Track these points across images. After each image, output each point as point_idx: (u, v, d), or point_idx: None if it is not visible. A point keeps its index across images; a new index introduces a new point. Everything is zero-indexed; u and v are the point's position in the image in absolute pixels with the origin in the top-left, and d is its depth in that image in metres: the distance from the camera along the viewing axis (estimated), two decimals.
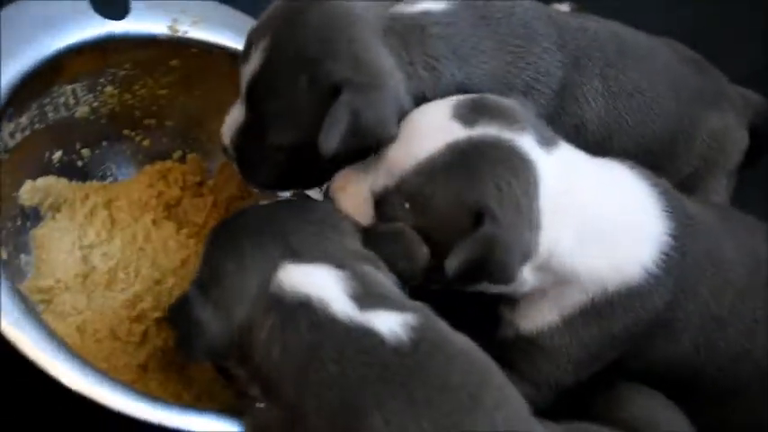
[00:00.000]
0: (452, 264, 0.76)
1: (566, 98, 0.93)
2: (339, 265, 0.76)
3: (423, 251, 0.80)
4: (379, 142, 0.82)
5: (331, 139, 0.79)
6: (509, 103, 0.82)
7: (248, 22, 1.00)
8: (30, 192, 0.95)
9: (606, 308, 0.83)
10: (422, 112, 0.81)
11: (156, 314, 0.93)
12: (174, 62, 1.00)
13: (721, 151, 1.02)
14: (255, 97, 0.83)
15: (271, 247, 0.77)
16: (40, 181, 0.96)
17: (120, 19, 0.95)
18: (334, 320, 0.73)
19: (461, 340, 0.75)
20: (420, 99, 0.85)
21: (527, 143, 0.79)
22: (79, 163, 1.00)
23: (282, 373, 0.73)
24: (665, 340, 0.86)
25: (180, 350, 0.79)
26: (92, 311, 0.92)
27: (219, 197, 1.06)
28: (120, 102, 1.00)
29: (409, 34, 0.86)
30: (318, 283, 0.75)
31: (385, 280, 0.78)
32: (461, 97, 0.81)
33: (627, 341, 0.85)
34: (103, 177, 1.03)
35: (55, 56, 0.90)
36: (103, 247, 0.97)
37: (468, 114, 0.79)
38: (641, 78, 0.97)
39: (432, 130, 0.79)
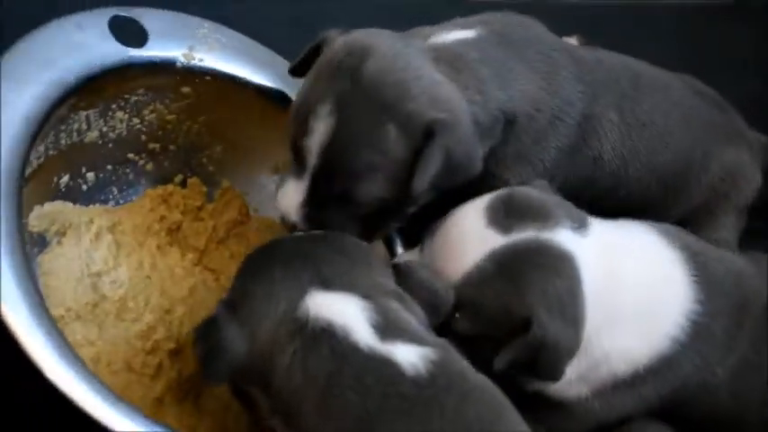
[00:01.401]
0: (500, 363, 0.80)
1: (587, 130, 0.96)
2: (365, 295, 0.77)
3: (450, 295, 0.83)
4: (467, 178, 0.84)
5: (426, 180, 0.81)
6: (537, 195, 0.84)
7: (260, 49, 1.01)
8: (38, 218, 0.93)
9: (636, 379, 0.86)
10: (457, 219, 0.84)
11: (170, 345, 0.92)
12: (185, 89, 1.00)
13: (733, 186, 1.06)
14: (334, 162, 0.83)
15: (301, 273, 0.78)
16: (48, 206, 0.94)
17: (139, 46, 0.93)
18: (356, 349, 0.74)
19: (479, 378, 0.77)
20: (475, 124, 0.87)
21: (564, 237, 0.82)
22: (84, 187, 0.99)
23: (303, 400, 0.74)
24: (700, 394, 0.88)
25: (202, 369, 0.79)
26: (104, 342, 0.91)
27: (219, 221, 1.05)
28: (129, 126, 0.99)
29: (456, 61, 0.87)
30: (342, 311, 0.76)
31: (409, 317, 0.79)
32: (491, 198, 0.84)
33: (659, 402, 0.88)
34: (105, 201, 1.02)
35: (78, 83, 0.89)
36: (111, 275, 0.96)
37: (502, 220, 0.81)
38: (654, 110, 1.00)
39: (471, 240, 0.82)
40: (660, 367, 0.86)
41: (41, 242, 0.94)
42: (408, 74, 0.83)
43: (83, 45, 0.89)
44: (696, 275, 0.87)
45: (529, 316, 0.79)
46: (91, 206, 0.99)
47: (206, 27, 1.00)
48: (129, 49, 0.93)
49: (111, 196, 1.02)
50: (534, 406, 0.87)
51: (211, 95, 1.01)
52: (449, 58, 0.88)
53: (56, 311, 0.90)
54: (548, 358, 0.80)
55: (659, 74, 1.06)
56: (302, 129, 0.83)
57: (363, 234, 0.88)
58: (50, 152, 0.91)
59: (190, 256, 1.02)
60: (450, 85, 0.85)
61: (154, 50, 0.95)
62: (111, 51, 0.92)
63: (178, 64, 0.97)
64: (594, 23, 1.07)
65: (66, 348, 0.75)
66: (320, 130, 0.82)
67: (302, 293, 0.77)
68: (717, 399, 0.88)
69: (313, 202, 0.86)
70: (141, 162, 1.03)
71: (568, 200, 0.89)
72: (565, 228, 0.83)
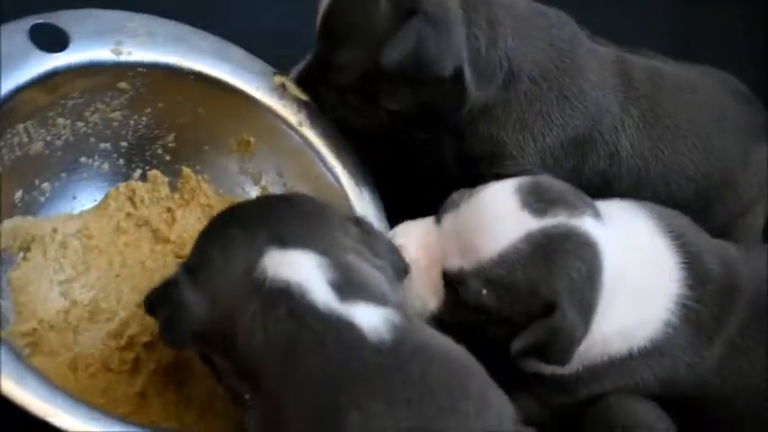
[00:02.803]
0: (518, 346, 0.82)
1: (602, 122, 0.98)
2: (323, 252, 0.76)
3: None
4: (429, 77, 0.91)
5: (394, 54, 0.89)
6: (561, 184, 0.88)
7: (196, 35, 1.00)
8: None
9: (628, 361, 0.88)
10: (488, 198, 0.86)
11: (145, 338, 0.93)
12: (122, 84, 0.99)
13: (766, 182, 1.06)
14: (332, 20, 0.92)
15: (258, 234, 0.77)
16: (6, 224, 0.95)
17: (61, 51, 0.93)
18: (314, 308, 0.73)
19: (444, 342, 0.76)
20: (473, 54, 0.92)
21: (590, 225, 0.84)
22: (42, 198, 0.99)
23: (265, 363, 0.73)
24: (690, 377, 0.90)
25: (163, 335, 0.80)
26: (80, 347, 0.92)
27: (186, 209, 1.05)
28: (74, 131, 0.99)
29: (489, 3, 0.95)
30: (299, 269, 0.75)
31: (372, 272, 0.78)
32: (522, 182, 0.86)
33: (650, 383, 0.89)
34: (67, 209, 1.02)
35: (5, 99, 0.88)
36: (81, 279, 0.97)
37: (535, 203, 0.84)
38: (679, 112, 1.01)
39: (506, 219, 0.83)
40: (652, 349, 0.88)
41: (7, 260, 0.95)
42: None
43: (3, 58, 0.89)
44: (686, 261, 0.88)
45: (553, 300, 0.81)
46: (53, 216, 0.99)
47: (135, 20, 0.99)
48: (53, 54, 0.92)
49: (72, 203, 1.02)
50: (527, 380, 0.89)
51: (150, 87, 1.01)
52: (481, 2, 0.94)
53: (28, 325, 0.92)
54: (561, 343, 0.83)
55: (687, 74, 1.06)
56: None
57: (355, 114, 0.97)
58: None
59: (160, 248, 1.02)
60: (457, 6, 0.92)
61: (78, 52, 0.94)
62: (35, 60, 0.91)
63: (107, 62, 0.96)
64: (581, 9, 1.05)
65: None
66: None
67: (259, 253, 0.76)
68: (706, 382, 0.90)
69: (313, 71, 0.97)
70: (95, 164, 1.03)
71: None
72: (589, 216, 0.85)
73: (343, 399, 0.70)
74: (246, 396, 0.77)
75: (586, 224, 0.84)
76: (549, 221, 0.83)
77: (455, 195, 0.90)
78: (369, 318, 0.73)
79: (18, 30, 0.92)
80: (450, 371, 0.74)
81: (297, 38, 0.98)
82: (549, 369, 0.89)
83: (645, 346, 0.88)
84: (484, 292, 0.84)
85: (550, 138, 0.98)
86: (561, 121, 0.98)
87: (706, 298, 0.89)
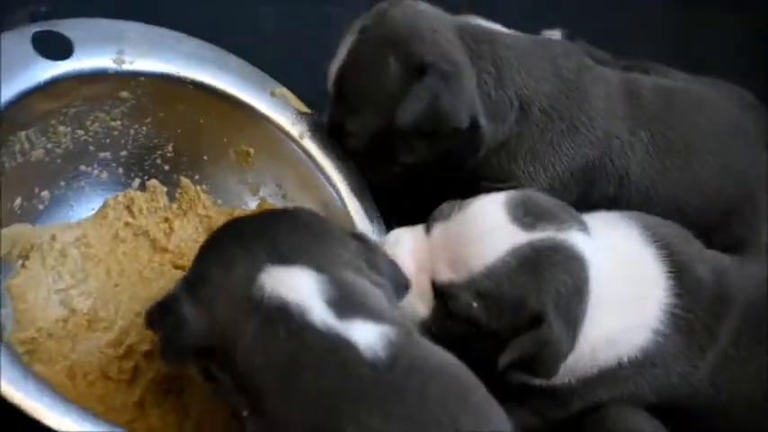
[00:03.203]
0: (505, 359, 0.83)
1: (612, 150, 1.00)
2: (320, 269, 0.76)
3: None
4: (446, 130, 0.92)
5: (408, 114, 0.90)
6: (548, 198, 0.89)
7: (197, 45, 1.00)
8: None
9: (620, 371, 0.89)
10: (478, 210, 0.87)
11: (144, 347, 0.93)
12: (123, 93, 1.00)
13: None
14: (343, 84, 0.94)
15: (256, 250, 0.77)
16: (5, 231, 0.94)
17: (64, 59, 0.93)
18: (311, 327, 0.73)
19: (441, 357, 0.76)
20: (485, 99, 0.94)
21: (578, 239, 0.86)
22: (40, 206, 0.99)
23: (264, 381, 0.73)
24: (683, 386, 0.91)
25: (163, 352, 0.79)
26: (78, 355, 0.92)
27: (184, 219, 1.06)
28: (74, 139, 0.99)
29: (480, 36, 0.97)
30: (297, 286, 0.75)
31: (370, 288, 0.78)
32: (511, 196, 0.87)
33: (644, 392, 0.90)
34: (66, 217, 1.01)
35: (7, 106, 0.88)
36: (80, 287, 0.96)
37: (524, 217, 0.85)
38: (690, 132, 1.03)
39: (495, 233, 0.85)
40: (643, 359, 0.88)
41: (6, 267, 0.94)
42: (425, 25, 0.94)
43: (5, 66, 0.89)
44: (673, 270, 0.89)
45: (541, 313, 0.82)
46: (52, 224, 0.99)
47: (137, 30, 0.99)
48: (57, 62, 0.92)
49: (71, 211, 1.02)
50: (520, 392, 0.89)
51: (151, 96, 1.01)
52: (473, 33, 0.97)
53: (27, 333, 0.91)
54: (548, 357, 0.84)
55: (699, 92, 1.07)
56: (333, 54, 0.95)
57: (371, 171, 0.99)
58: None
59: (158, 257, 1.02)
60: (462, 49, 0.94)
61: (82, 60, 0.95)
62: (38, 68, 0.91)
63: (110, 70, 0.96)
64: (581, 15, 1.06)
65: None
66: (341, 54, 0.95)
67: (258, 270, 0.76)
68: (700, 391, 0.91)
69: (332, 123, 0.99)
70: (95, 172, 1.03)
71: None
72: (576, 230, 0.86)
73: (341, 416, 0.70)
74: (245, 413, 0.77)
75: (573, 238, 0.85)
76: (537, 235, 0.84)
77: (445, 206, 0.91)
78: (365, 335, 0.73)
79: (22, 37, 0.92)
80: (448, 386, 0.73)
81: (297, 48, 0.99)
82: (538, 381, 0.90)
83: (635, 356, 0.88)
84: (474, 304, 0.85)
85: (560, 167, 1.00)
86: (571, 150, 1.00)
87: (696, 307, 0.89)
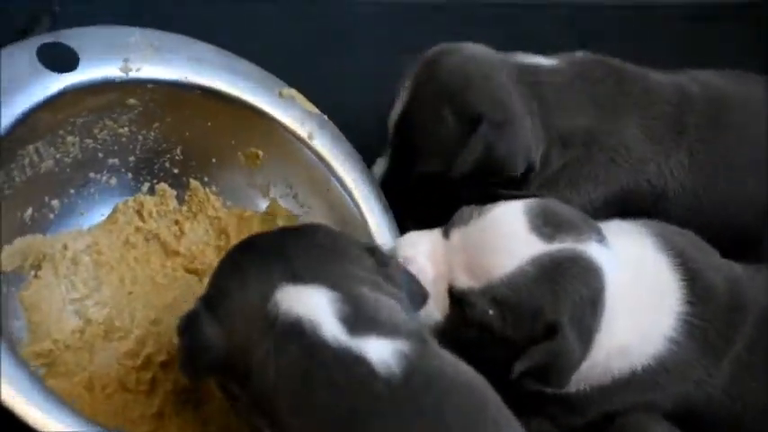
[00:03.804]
0: (520, 367, 0.82)
1: (649, 173, 1.02)
2: (334, 286, 0.76)
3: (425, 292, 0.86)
4: (502, 176, 0.95)
5: (465, 166, 0.93)
6: (568, 208, 0.90)
7: (203, 47, 0.99)
8: (9, 256, 0.93)
9: (635, 379, 0.89)
10: (498, 218, 0.87)
11: (161, 357, 0.93)
12: (131, 101, 0.99)
13: None
14: (403, 133, 0.98)
15: (272, 268, 0.77)
16: (17, 243, 0.94)
17: (70, 70, 0.92)
18: (324, 345, 0.73)
19: (459, 370, 0.76)
20: (537, 142, 0.97)
21: (595, 250, 0.86)
22: (51, 216, 0.99)
23: (279, 398, 0.74)
24: (698, 394, 0.91)
25: (182, 367, 0.80)
26: (96, 366, 0.92)
27: (195, 222, 1.05)
28: (83, 148, 0.99)
29: (525, 76, 0.98)
30: (310, 304, 0.75)
31: (385, 302, 0.78)
32: (530, 205, 0.88)
33: (660, 400, 0.90)
34: (76, 225, 1.01)
35: (15, 123, 0.88)
36: (94, 297, 0.97)
37: (543, 227, 0.85)
38: (737, 144, 1.02)
39: (514, 242, 0.85)
40: (657, 366, 0.88)
41: (18, 279, 0.94)
42: (477, 73, 0.96)
43: (13, 81, 0.88)
44: (686, 278, 0.89)
45: (556, 323, 0.82)
46: (63, 232, 0.99)
47: (137, 34, 0.98)
48: (63, 75, 0.91)
49: (81, 219, 1.02)
50: (535, 399, 0.89)
51: (159, 102, 1.00)
52: (521, 73, 0.98)
53: (43, 345, 0.92)
54: (560, 367, 0.84)
55: (746, 98, 1.06)
56: (390, 106, 0.98)
57: (431, 205, 0.98)
58: (6, 191, 0.91)
59: (170, 262, 1.02)
60: (519, 101, 0.96)
61: (88, 71, 0.94)
62: (44, 81, 0.90)
63: (116, 79, 0.95)
64: (595, 27, 1.05)
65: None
66: (397, 109, 0.98)
67: (273, 288, 0.76)
68: (715, 400, 0.91)
69: (391, 168, 1.01)
70: (103, 179, 1.02)
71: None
72: (594, 241, 0.86)
73: None
74: (265, 429, 0.78)
75: (591, 249, 0.86)
76: (556, 246, 0.85)
77: (464, 211, 0.91)
78: (379, 351, 0.73)
79: (26, 50, 0.91)
80: (465, 400, 0.74)
81: (302, 50, 0.98)
82: (551, 390, 0.90)
83: (649, 364, 0.89)
84: (490, 312, 0.85)
85: (595, 194, 1.02)
86: (606, 179, 1.01)
87: (710, 315, 0.89)
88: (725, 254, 0.95)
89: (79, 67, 0.93)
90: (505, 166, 0.96)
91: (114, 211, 1.03)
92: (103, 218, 1.03)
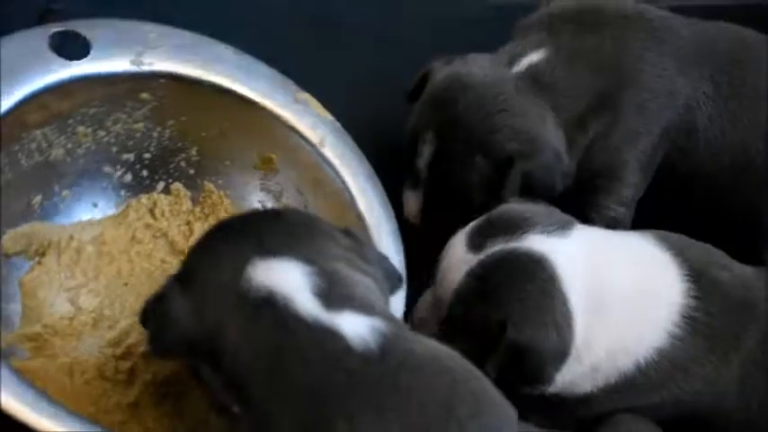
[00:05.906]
0: (490, 372, 0.81)
1: (678, 105, 1.03)
2: (307, 260, 0.75)
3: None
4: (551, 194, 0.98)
5: (511, 196, 0.96)
6: (512, 208, 0.91)
7: (218, 47, 1.00)
8: (12, 240, 0.95)
9: (640, 375, 0.88)
10: (446, 249, 0.91)
11: (142, 348, 0.92)
12: (144, 95, 1.00)
13: None
14: (436, 181, 1.01)
15: (244, 245, 0.76)
16: (23, 227, 0.96)
17: (81, 59, 0.94)
18: (298, 319, 0.71)
19: (435, 348, 0.74)
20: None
21: (532, 242, 0.86)
22: (61, 205, 1.00)
23: (251, 374, 0.72)
24: (706, 393, 0.89)
25: (151, 344, 0.79)
26: (78, 353, 0.92)
27: (206, 223, 1.05)
28: (95, 140, 1.00)
29: (535, 86, 1.00)
30: (283, 278, 0.73)
31: (361, 279, 0.76)
32: (473, 224, 0.91)
33: (665, 398, 0.89)
34: (90, 215, 1.02)
35: (18, 104, 0.90)
36: (89, 286, 0.97)
37: (475, 239, 0.88)
38: (759, 80, 1.03)
39: (456, 263, 0.88)
40: (660, 360, 0.87)
41: (20, 264, 0.95)
42: (495, 107, 0.98)
43: (20, 63, 0.91)
44: (689, 274, 0.88)
45: (503, 320, 0.83)
46: (73, 222, 1.00)
47: (155, 31, 1.00)
48: (72, 62, 0.93)
49: (93, 211, 1.03)
50: (541, 402, 0.89)
51: (173, 98, 1.01)
52: (529, 87, 1.00)
53: (33, 329, 0.92)
54: (531, 362, 0.84)
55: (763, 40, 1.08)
56: (413, 150, 1.01)
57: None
58: (9, 174, 0.92)
59: (171, 258, 1.01)
60: (534, 111, 0.99)
61: (98, 61, 0.95)
62: (53, 67, 0.92)
63: (127, 72, 0.97)
64: None
65: None
66: (425, 154, 1.01)
67: (244, 263, 0.74)
68: (726, 399, 0.89)
69: (427, 208, 1.03)
70: (117, 173, 1.03)
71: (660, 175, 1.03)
72: (535, 233, 0.87)
73: (331, 410, 0.68)
74: (235, 409, 0.76)
75: (527, 243, 0.86)
76: (485, 253, 0.86)
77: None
78: (355, 327, 0.71)
79: (39, 36, 0.93)
80: (442, 377, 0.71)
81: (314, 52, 0.98)
82: (561, 391, 0.89)
83: (653, 358, 0.87)
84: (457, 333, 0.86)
85: (642, 145, 1.04)
86: (645, 127, 1.03)
87: (716, 310, 0.88)
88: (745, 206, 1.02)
89: (89, 57, 0.95)
90: (548, 192, 0.99)
91: (127, 206, 1.04)
92: (116, 211, 1.03)
